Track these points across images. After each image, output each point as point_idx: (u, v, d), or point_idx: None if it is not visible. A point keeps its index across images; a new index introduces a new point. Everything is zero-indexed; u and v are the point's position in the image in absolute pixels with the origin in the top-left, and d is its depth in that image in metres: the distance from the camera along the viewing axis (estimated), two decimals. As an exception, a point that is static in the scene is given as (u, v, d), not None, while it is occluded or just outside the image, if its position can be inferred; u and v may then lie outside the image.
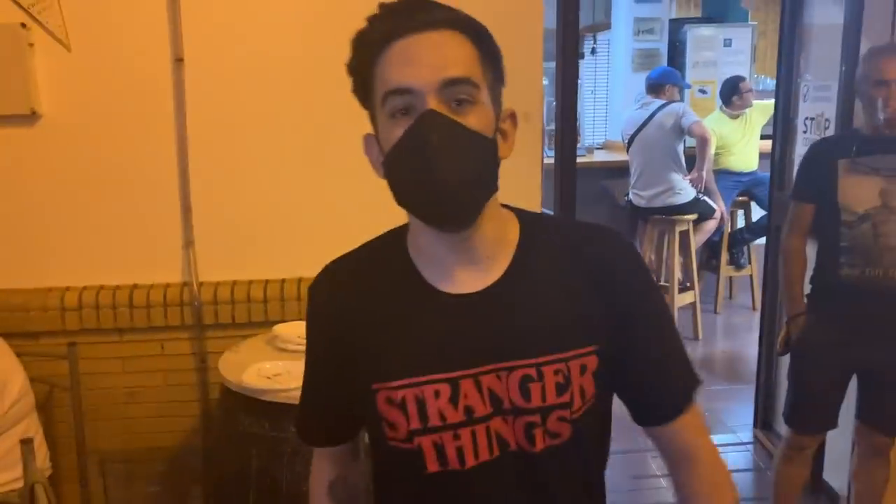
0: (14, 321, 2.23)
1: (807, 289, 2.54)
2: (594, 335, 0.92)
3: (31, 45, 2.20)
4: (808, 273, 2.54)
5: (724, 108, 5.01)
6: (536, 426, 0.91)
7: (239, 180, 2.36)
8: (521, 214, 0.97)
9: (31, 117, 2.23)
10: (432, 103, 0.84)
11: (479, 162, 0.87)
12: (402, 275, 0.94)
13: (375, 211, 2.36)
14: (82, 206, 2.31)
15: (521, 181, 2.44)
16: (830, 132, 2.85)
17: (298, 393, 1.82)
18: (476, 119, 0.86)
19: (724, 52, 5.77)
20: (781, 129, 3.20)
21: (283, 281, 2.38)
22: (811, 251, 2.50)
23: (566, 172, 2.64)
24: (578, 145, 5.38)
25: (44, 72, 2.23)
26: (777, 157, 3.23)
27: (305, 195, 2.38)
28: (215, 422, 2.17)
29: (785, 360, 2.84)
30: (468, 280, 0.92)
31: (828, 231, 2.42)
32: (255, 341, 2.16)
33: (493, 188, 0.90)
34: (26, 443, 1.53)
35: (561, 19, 2.51)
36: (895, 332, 2.36)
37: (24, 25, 2.18)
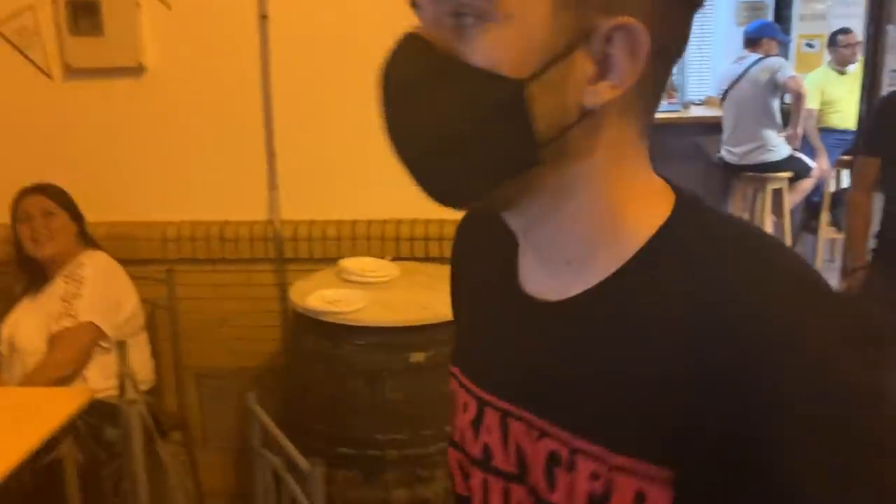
0: (123, 249, 2.55)
1: (873, 244, 2.53)
2: (677, 452, 0.52)
3: (138, 4, 2.48)
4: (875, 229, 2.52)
5: (831, 62, 4.82)
6: None
7: (317, 130, 2.57)
8: (678, 209, 0.59)
9: (138, 69, 2.53)
10: (424, 22, 0.58)
11: (451, 116, 0.56)
12: (509, 249, 0.67)
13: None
14: (181, 150, 2.60)
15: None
16: (915, 84, 2.76)
17: (354, 315, 2.05)
18: (488, 47, 0.54)
19: (834, 3, 5.48)
20: (869, 82, 3.11)
21: (354, 222, 2.59)
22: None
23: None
24: (674, 100, 5.34)
25: (148, 28, 2.51)
26: (862, 114, 3.14)
27: (374, 147, 2.56)
28: (289, 344, 2.43)
29: None
30: (547, 282, 0.62)
31: (893, 186, 2.40)
32: (324, 273, 2.39)
33: (492, 161, 0.57)
34: (120, 345, 1.81)
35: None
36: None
37: (131, -13, 2.46)
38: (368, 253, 2.51)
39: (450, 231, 2.77)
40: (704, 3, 0.58)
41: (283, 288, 2.63)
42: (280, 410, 2.20)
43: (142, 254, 2.59)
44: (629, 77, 0.54)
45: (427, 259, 2.54)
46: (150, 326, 2.56)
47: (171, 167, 2.61)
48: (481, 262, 0.72)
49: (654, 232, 0.57)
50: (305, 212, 2.62)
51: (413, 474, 2.05)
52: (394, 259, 2.45)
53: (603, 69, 0.54)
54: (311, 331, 2.13)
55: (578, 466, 0.57)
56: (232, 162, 2.60)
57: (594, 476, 0.55)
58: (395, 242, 2.56)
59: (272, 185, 2.60)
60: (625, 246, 0.57)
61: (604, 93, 0.54)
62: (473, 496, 0.68)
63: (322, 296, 2.12)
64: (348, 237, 2.58)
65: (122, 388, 1.77)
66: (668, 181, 0.61)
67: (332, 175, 2.60)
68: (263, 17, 2.48)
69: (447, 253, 2.86)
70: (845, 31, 4.81)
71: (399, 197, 2.58)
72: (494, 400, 0.65)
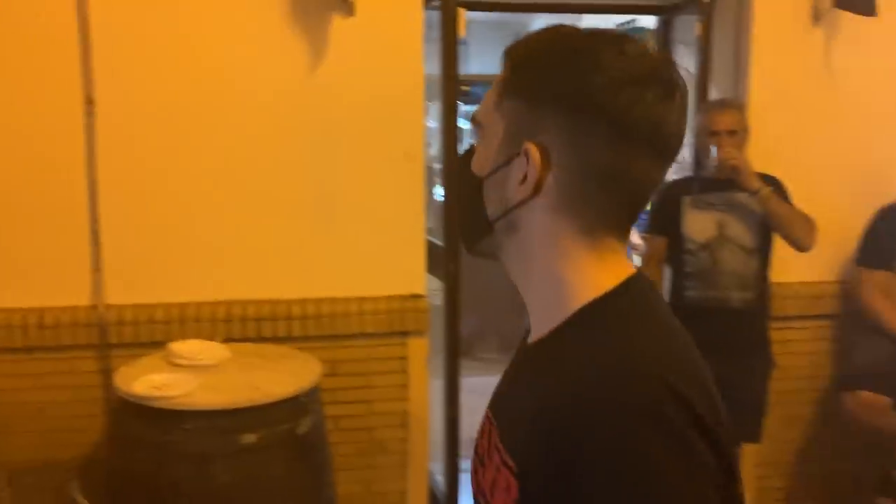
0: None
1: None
2: (519, 458, 0.74)
3: (-48, 87, 2.41)
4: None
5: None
6: None
7: (144, 210, 2.58)
8: (600, 300, 0.77)
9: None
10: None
11: (464, 199, 0.90)
12: None
13: (274, 240, 2.62)
14: (-4, 234, 2.51)
15: (405, 217, 2.72)
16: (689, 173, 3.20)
17: (182, 400, 2.04)
18: (476, 157, 0.85)
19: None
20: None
21: (184, 304, 2.59)
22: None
23: (450, 208, 2.91)
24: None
25: (-38, 111, 2.44)
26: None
27: (203, 227, 2.61)
28: (112, 432, 2.36)
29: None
30: (533, 327, 0.84)
31: (676, 259, 2.75)
32: (151, 358, 2.36)
33: (474, 228, 0.87)
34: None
35: (443, 71, 2.82)
36: (734, 349, 2.68)
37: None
38: (199, 335, 2.51)
39: (282, 310, 2.94)
40: (656, 145, 0.76)
41: (107, 374, 2.56)
42: (104, 502, 2.13)
43: (-51, 345, 2.44)
44: (531, 184, 0.77)
45: (260, 339, 2.58)
46: (-44, 422, 2.40)
47: (-17, 252, 2.51)
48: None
49: (583, 304, 0.78)
50: (131, 295, 2.59)
51: (245, 558, 2.05)
52: (225, 341, 2.47)
53: (525, 175, 0.78)
54: (137, 417, 2.10)
55: (493, 459, 0.80)
56: (51, 243, 2.54)
57: (496, 468, 0.79)
58: (227, 324, 2.59)
59: (96, 268, 2.56)
60: (565, 309, 0.79)
61: (520, 193, 0.79)
62: (479, 489, 0.87)
63: (149, 381, 2.11)
64: (177, 320, 2.57)
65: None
66: (632, 276, 0.80)
67: (160, 256, 2.61)
68: (89, 102, 2.49)
69: (280, 333, 2.94)
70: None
71: (230, 277, 2.65)
72: (489, 412, 0.88)
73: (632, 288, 0.79)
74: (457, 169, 0.93)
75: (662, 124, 0.75)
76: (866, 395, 2.80)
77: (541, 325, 0.82)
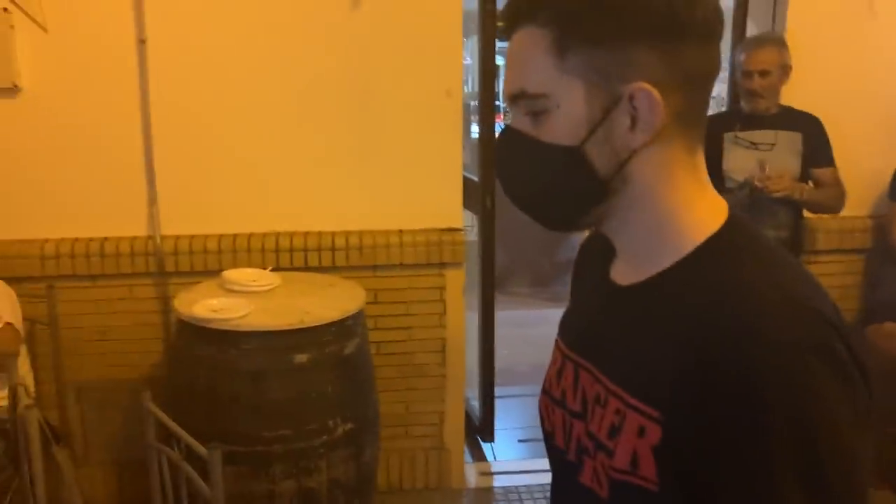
0: (1, 267, 2.58)
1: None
2: (662, 403, 0.71)
3: (12, 27, 2.53)
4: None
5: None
6: (587, 454, 0.81)
7: (195, 146, 2.71)
8: (724, 227, 0.77)
9: (13, 90, 2.57)
10: (513, 117, 0.81)
11: (540, 176, 0.79)
12: (608, 256, 0.87)
13: (319, 175, 2.74)
14: (59, 168, 2.66)
15: (443, 153, 2.81)
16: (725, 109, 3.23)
17: (239, 321, 2.20)
18: (550, 129, 0.76)
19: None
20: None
21: (235, 235, 2.74)
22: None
23: (486, 145, 2.99)
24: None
25: (24, 50, 2.56)
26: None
27: (252, 162, 2.74)
28: (174, 352, 2.54)
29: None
30: (625, 272, 0.82)
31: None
32: (207, 284, 2.52)
33: (575, 199, 0.79)
34: (7, 356, 1.88)
35: (480, 6, 2.86)
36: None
37: (5, 10, 2.51)
38: (249, 265, 2.66)
39: (327, 242, 3.11)
40: (719, 33, 0.75)
41: (165, 301, 2.73)
42: (167, 416, 2.31)
43: (19, 271, 2.62)
44: (654, 123, 0.73)
45: (306, 269, 2.73)
46: (29, 343, 2.59)
47: (48, 184, 2.66)
48: (591, 266, 0.93)
49: (700, 241, 0.76)
50: (186, 226, 2.74)
51: (298, 466, 2.23)
52: (274, 269, 2.62)
53: (633, 120, 0.73)
54: (196, 339, 2.27)
55: (609, 404, 0.78)
56: (110, 178, 2.69)
57: (616, 412, 0.76)
58: (275, 254, 2.73)
59: (152, 201, 2.71)
60: (677, 248, 0.76)
61: (639, 137, 0.74)
62: (555, 430, 0.88)
63: (207, 305, 2.26)
64: (229, 250, 2.72)
65: (13, 398, 1.84)
66: (731, 211, 0.78)
67: (212, 190, 2.74)
68: (142, 42, 2.59)
69: (325, 263, 3.08)
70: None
71: (277, 210, 2.78)
72: (572, 354, 0.87)
73: (740, 221, 0.78)
74: (507, 157, 0.83)
75: (720, 16, 0.76)
76: (889, 325, 2.87)
77: (640, 266, 0.79)
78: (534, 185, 0.80)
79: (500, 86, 6.44)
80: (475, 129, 3.06)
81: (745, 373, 0.64)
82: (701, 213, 0.77)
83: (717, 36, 0.76)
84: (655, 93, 0.72)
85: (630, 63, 0.72)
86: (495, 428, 3.30)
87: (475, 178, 3.10)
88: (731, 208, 0.79)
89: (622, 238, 0.81)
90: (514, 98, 0.78)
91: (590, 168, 0.75)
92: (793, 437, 0.63)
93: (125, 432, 2.76)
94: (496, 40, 2.93)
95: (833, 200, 2.78)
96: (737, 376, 0.65)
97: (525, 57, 0.77)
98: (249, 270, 2.53)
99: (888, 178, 2.99)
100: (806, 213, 2.85)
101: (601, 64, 0.73)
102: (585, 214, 0.80)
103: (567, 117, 0.75)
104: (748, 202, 2.70)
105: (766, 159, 2.68)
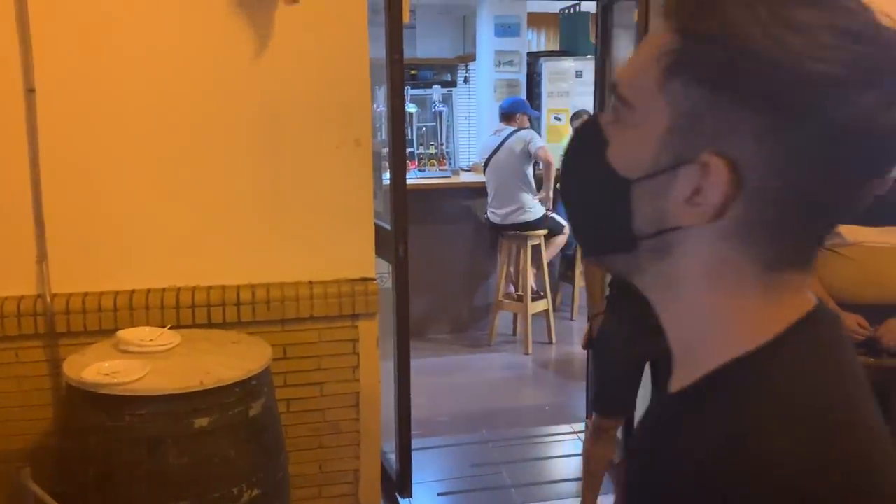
0: None
1: (607, 291, 2.96)
2: None
3: None
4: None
5: (575, 133, 5.52)
6: None
7: (89, 198, 2.57)
8: (797, 331, 0.60)
9: None
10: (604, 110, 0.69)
11: (585, 198, 0.69)
12: None
13: (223, 227, 2.64)
14: (-64, 224, 2.47)
15: (353, 202, 2.76)
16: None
17: (133, 385, 2.06)
18: (622, 140, 0.63)
19: (576, 83, 6.30)
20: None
21: (132, 292, 2.60)
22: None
23: (398, 192, 2.96)
24: (445, 168, 5.80)
25: None
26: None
27: (151, 214, 2.61)
28: (64, 421, 2.36)
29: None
30: (678, 370, 0.67)
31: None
32: (101, 345, 2.36)
33: (603, 236, 0.68)
34: None
35: (388, 57, 2.85)
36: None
37: None
38: (147, 323, 2.52)
39: (231, 296, 2.98)
40: (884, 158, 0.57)
41: (55, 364, 2.55)
42: (55, 490, 2.14)
43: None
44: (710, 210, 0.58)
45: (210, 325, 2.60)
46: None
47: (-77, 243, 2.47)
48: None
49: (736, 356, 0.60)
50: (78, 284, 2.58)
51: (200, 538, 2.09)
52: (173, 327, 2.49)
53: (694, 193, 0.58)
54: (87, 405, 2.11)
55: None
56: (-4, 235, 2.52)
57: None
58: (176, 311, 2.60)
59: (41, 257, 2.54)
60: (714, 359, 0.60)
61: (690, 216, 0.59)
62: None
63: (98, 368, 2.11)
64: (125, 307, 2.57)
65: None
66: (811, 313, 0.62)
67: (106, 244, 2.60)
68: (31, 91, 2.46)
69: (230, 318, 2.96)
70: (583, 111, 5.55)
71: (178, 264, 2.66)
72: (637, 464, 0.72)
73: (809, 329, 0.61)
74: (572, 147, 0.71)
75: (893, 137, 0.56)
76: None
77: (687, 369, 0.64)
78: (577, 192, 0.70)
79: (412, 133, 6.46)
80: (387, 176, 3.02)
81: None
82: (763, 318, 0.61)
83: (876, 172, 0.58)
84: (725, 170, 0.56)
85: (727, 126, 0.56)
86: (413, 482, 3.21)
87: (387, 226, 3.06)
88: (815, 312, 0.62)
89: (665, 320, 0.67)
90: (613, 86, 0.65)
91: (627, 211, 0.63)
92: None
93: (10, 509, 2.54)
94: (404, 88, 2.92)
95: None
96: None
97: (644, 52, 0.62)
98: (146, 329, 2.40)
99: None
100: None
101: (697, 108, 0.57)
102: (608, 255, 0.69)
103: (636, 143, 0.62)
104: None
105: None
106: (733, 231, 0.59)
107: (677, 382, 0.65)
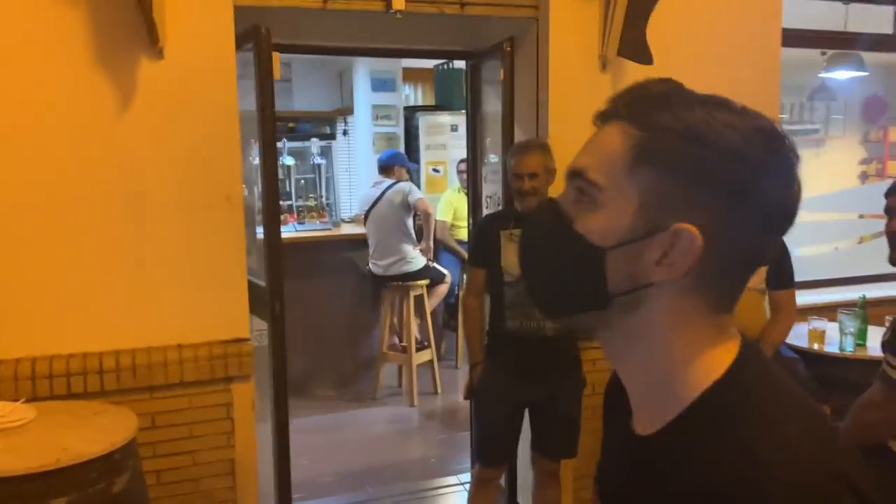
0: None
1: (486, 340, 3.00)
2: None
3: None
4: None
5: (458, 184, 5.61)
6: None
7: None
8: (720, 385, 0.74)
9: None
10: (563, 191, 0.79)
11: (555, 258, 0.78)
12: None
13: (84, 290, 2.49)
14: None
15: (225, 260, 2.68)
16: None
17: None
18: (587, 219, 0.75)
19: (452, 136, 6.46)
20: (472, 203, 3.73)
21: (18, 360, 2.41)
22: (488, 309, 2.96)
23: (272, 249, 2.91)
24: (325, 220, 5.76)
25: None
26: (470, 230, 3.75)
27: (4, 278, 2.44)
28: None
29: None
30: (638, 417, 0.81)
31: (495, 290, 2.90)
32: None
33: (575, 296, 0.78)
34: None
35: (259, 112, 2.82)
36: (549, 373, 2.86)
37: None
38: (16, 396, 2.33)
39: (93, 364, 2.81)
40: (785, 231, 0.74)
41: None
42: None
43: None
44: (681, 268, 0.72)
45: (69, 396, 2.44)
46: None
47: None
48: (618, 408, 0.87)
49: (704, 388, 0.73)
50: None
51: None
52: (28, 400, 2.31)
53: (664, 254, 0.72)
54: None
55: None
56: None
57: None
58: (31, 382, 2.42)
59: None
60: (681, 399, 0.74)
61: (661, 274, 0.73)
62: None
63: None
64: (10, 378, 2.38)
65: None
66: (739, 344, 0.77)
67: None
68: None
69: (92, 387, 2.80)
70: (463, 160, 5.66)
71: (33, 332, 2.49)
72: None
73: (746, 362, 0.75)
74: (535, 225, 0.82)
75: (796, 210, 0.74)
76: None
77: (652, 412, 0.77)
78: (546, 263, 0.79)
79: (290, 185, 6.35)
80: (261, 232, 2.96)
81: None
82: (712, 356, 0.75)
83: (783, 232, 0.75)
84: (699, 242, 0.71)
85: (689, 203, 0.71)
86: (294, 548, 3.08)
87: (262, 283, 2.98)
88: (745, 344, 0.77)
89: (622, 369, 0.81)
90: (573, 174, 0.77)
91: (602, 275, 0.75)
92: None
93: None
94: (276, 143, 2.89)
95: None
96: None
97: (604, 144, 0.76)
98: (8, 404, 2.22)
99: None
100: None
101: (664, 190, 0.72)
102: (580, 313, 0.79)
103: (608, 219, 0.74)
104: (526, 296, 2.81)
105: None
106: (691, 283, 0.73)
107: (645, 425, 0.78)
